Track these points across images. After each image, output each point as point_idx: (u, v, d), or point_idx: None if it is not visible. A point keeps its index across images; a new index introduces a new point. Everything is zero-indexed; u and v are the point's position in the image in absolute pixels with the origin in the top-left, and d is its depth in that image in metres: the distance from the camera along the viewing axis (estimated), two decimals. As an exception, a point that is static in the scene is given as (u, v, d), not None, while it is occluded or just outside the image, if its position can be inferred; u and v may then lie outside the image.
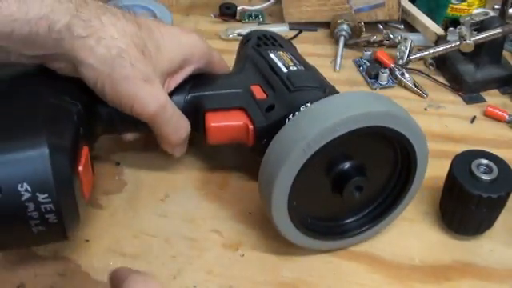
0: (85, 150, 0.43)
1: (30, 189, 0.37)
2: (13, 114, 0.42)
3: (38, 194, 0.37)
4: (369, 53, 0.70)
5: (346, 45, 0.71)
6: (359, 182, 0.44)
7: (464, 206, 0.47)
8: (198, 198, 0.52)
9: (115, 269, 0.37)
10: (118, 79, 0.43)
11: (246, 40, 0.59)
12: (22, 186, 0.37)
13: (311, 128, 0.40)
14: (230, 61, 0.61)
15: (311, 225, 0.46)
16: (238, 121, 0.49)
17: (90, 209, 0.50)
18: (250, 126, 0.49)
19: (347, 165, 0.44)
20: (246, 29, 0.72)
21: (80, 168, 0.41)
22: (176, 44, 0.48)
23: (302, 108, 0.47)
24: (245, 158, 0.55)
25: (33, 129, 0.40)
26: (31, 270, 0.45)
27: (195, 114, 0.50)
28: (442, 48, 0.66)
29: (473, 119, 0.62)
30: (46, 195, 0.37)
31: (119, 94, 0.44)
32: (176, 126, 0.48)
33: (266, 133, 0.47)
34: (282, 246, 0.48)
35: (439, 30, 0.70)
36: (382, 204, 0.48)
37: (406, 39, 0.68)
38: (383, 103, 0.43)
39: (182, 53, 0.48)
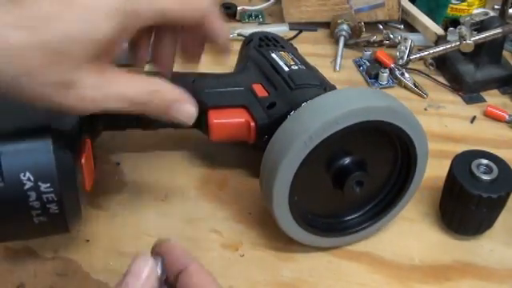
0: (87, 143, 0.43)
1: (32, 178, 0.37)
2: (18, 104, 0.42)
3: (40, 184, 0.37)
4: (369, 53, 0.70)
5: (346, 45, 0.71)
6: (360, 176, 0.44)
7: (464, 206, 0.47)
8: (197, 198, 0.52)
9: (171, 244, 0.36)
10: (35, 100, 0.35)
11: (247, 41, 0.60)
12: (24, 175, 0.37)
13: (313, 121, 0.40)
14: (230, 61, 0.61)
15: (312, 221, 0.46)
16: (239, 118, 0.50)
17: (91, 209, 0.50)
18: (252, 123, 0.49)
19: (348, 160, 0.44)
20: (246, 29, 0.72)
21: (82, 160, 0.41)
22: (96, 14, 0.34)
23: (303, 105, 0.47)
24: (245, 159, 0.55)
25: (37, 119, 0.40)
26: (31, 270, 0.45)
27: (198, 111, 0.51)
28: (442, 48, 0.66)
29: (473, 119, 0.63)
30: (48, 185, 0.37)
31: (46, 107, 0.35)
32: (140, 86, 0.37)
33: (268, 130, 0.47)
34: (281, 246, 0.48)
35: (439, 30, 0.70)
36: (383, 201, 0.48)
37: (406, 39, 0.68)
38: (384, 98, 0.43)
39: (114, 20, 0.35)
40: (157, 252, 0.36)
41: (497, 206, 0.47)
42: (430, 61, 0.69)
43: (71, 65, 0.34)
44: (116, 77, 0.37)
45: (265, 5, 0.78)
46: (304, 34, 0.74)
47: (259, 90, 0.51)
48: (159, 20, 0.37)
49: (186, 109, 0.40)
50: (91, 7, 0.34)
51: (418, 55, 0.67)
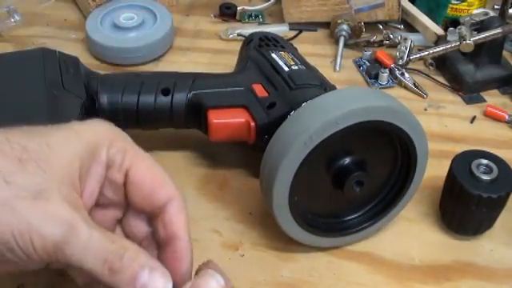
0: None
1: None
2: (19, 104, 0.43)
3: None
4: (369, 53, 0.70)
5: (346, 45, 0.71)
6: (360, 176, 0.44)
7: (464, 206, 0.47)
8: (197, 198, 0.52)
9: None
10: None
11: (248, 41, 0.60)
12: None
13: (313, 121, 0.40)
14: (230, 61, 0.62)
15: (312, 221, 0.46)
16: (239, 118, 0.50)
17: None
18: (252, 123, 0.49)
19: (348, 160, 0.44)
20: (246, 29, 0.72)
21: None
22: (71, 137, 0.32)
23: (303, 105, 0.47)
24: (245, 159, 0.55)
25: (37, 119, 0.40)
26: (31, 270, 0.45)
27: (198, 111, 0.51)
28: (441, 48, 0.66)
29: (473, 119, 0.62)
30: None
31: (3, 230, 0.28)
32: (99, 250, 0.30)
33: (268, 130, 0.47)
34: (282, 246, 0.48)
35: (439, 30, 0.70)
36: (383, 201, 0.48)
37: (405, 39, 0.68)
38: (384, 98, 0.44)
39: (84, 145, 0.32)
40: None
41: (497, 206, 0.47)
42: (430, 61, 0.69)
43: (47, 176, 0.30)
44: (87, 215, 0.31)
45: (265, 5, 0.77)
46: (304, 34, 0.74)
47: (259, 90, 0.51)
48: None
49: (157, 281, 0.31)
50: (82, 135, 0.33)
51: (418, 55, 0.67)
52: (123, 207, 0.36)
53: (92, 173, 0.33)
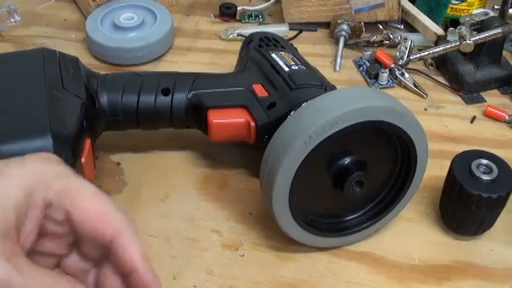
0: (87, 143, 0.43)
1: None
2: (19, 104, 0.43)
3: None
4: (369, 53, 0.70)
5: (346, 45, 0.71)
6: (360, 177, 0.44)
7: (464, 206, 0.47)
8: (197, 198, 0.52)
9: None
10: None
11: (247, 41, 0.60)
12: None
13: (313, 121, 0.41)
14: (230, 61, 0.62)
15: (312, 221, 0.46)
16: (239, 118, 0.50)
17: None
18: (252, 123, 0.49)
19: (348, 160, 0.44)
20: (246, 29, 0.72)
21: (82, 160, 0.41)
22: (5, 186, 0.31)
23: (303, 105, 0.47)
24: (245, 159, 0.55)
25: (38, 118, 0.40)
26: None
27: (198, 111, 0.51)
28: (441, 48, 0.66)
29: (473, 119, 0.63)
30: None
31: None
32: None
33: (268, 130, 0.48)
34: (282, 246, 0.48)
35: (439, 30, 0.70)
36: (383, 201, 0.48)
37: (405, 39, 0.68)
38: (384, 98, 0.43)
39: (19, 191, 0.31)
40: None
41: (497, 206, 0.47)
42: (430, 61, 0.69)
43: None
44: (22, 262, 0.31)
45: (265, 5, 0.78)
46: (304, 34, 0.74)
47: (259, 90, 0.51)
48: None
49: None
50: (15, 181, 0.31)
51: (418, 55, 0.67)
52: (74, 234, 0.35)
53: (29, 215, 0.32)
